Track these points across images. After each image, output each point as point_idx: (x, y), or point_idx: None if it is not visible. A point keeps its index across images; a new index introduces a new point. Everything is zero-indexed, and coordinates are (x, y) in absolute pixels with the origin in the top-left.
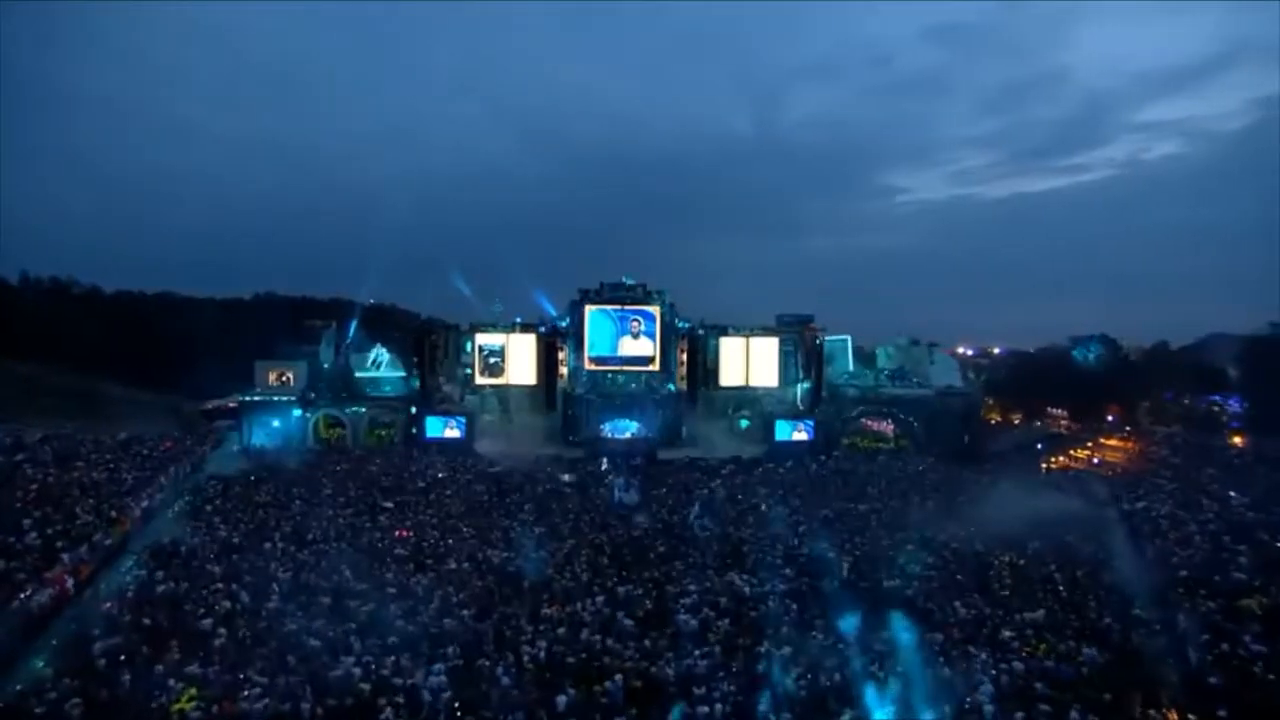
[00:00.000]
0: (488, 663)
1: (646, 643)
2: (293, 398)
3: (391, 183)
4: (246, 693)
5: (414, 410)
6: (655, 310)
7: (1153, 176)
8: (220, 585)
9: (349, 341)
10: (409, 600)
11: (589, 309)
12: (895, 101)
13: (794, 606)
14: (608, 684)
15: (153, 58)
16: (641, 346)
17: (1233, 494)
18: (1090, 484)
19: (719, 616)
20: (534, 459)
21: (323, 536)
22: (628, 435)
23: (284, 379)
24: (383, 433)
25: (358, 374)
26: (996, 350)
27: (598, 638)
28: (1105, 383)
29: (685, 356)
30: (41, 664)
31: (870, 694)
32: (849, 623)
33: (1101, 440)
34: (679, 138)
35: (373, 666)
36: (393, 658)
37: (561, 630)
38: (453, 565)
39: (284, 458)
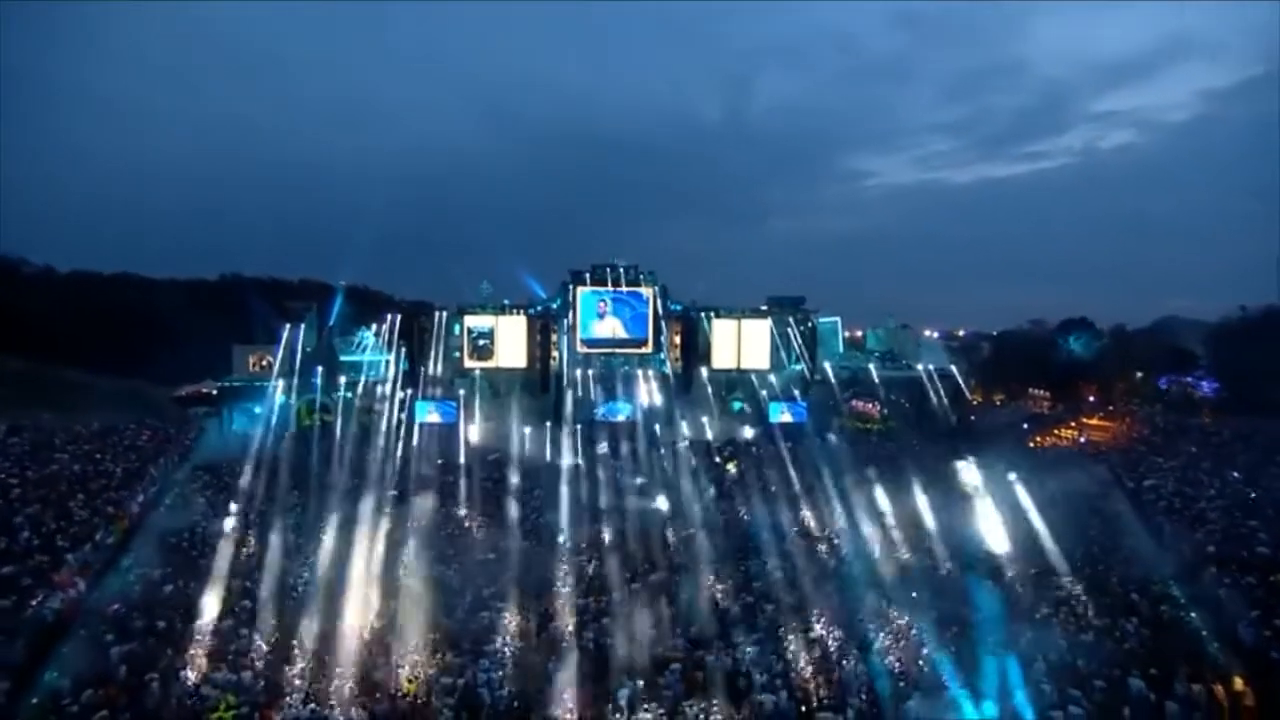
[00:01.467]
0: (538, 658)
1: (693, 630)
2: (275, 383)
3: (356, 165)
4: (289, 699)
5: (403, 394)
6: (647, 292)
7: (1107, 164)
8: (235, 583)
9: (331, 324)
10: (439, 595)
11: (580, 290)
12: (862, 87)
13: (832, 589)
14: (667, 674)
15: (108, 33)
16: (610, 327)
17: (1235, 474)
18: (1087, 463)
19: (760, 601)
20: (532, 443)
21: (330, 528)
22: (622, 418)
23: (264, 364)
24: (368, 418)
25: (343, 357)
26: (961, 332)
27: (646, 627)
28: (1082, 364)
29: (679, 339)
30: (55, 674)
31: (932, 675)
32: (894, 604)
33: (1084, 420)
34: (648, 121)
35: (417, 666)
36: (437, 655)
37: (606, 620)
38: (479, 556)
39: (271, 445)
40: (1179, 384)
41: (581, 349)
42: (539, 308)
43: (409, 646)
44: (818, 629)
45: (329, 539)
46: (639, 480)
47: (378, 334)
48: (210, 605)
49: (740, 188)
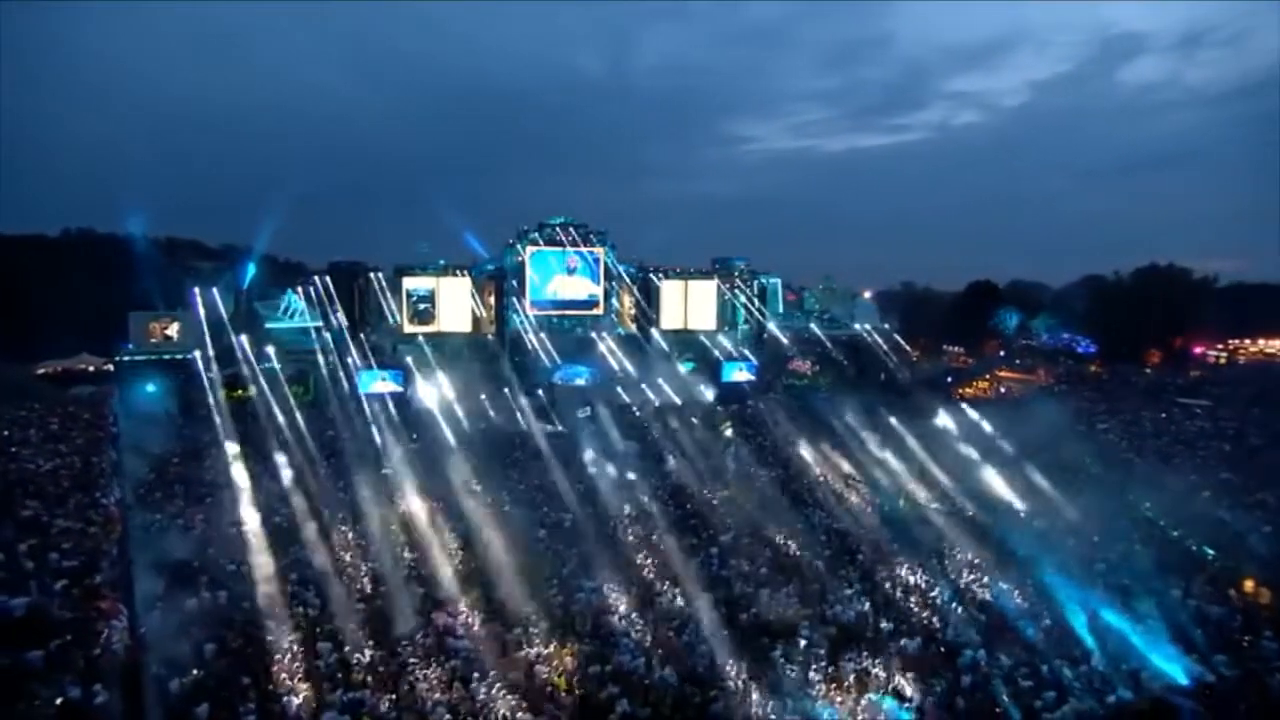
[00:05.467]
0: (671, 633)
1: (792, 588)
2: (184, 355)
3: (231, 113)
4: (434, 714)
5: (339, 364)
6: (599, 252)
7: (958, 140)
8: (275, 587)
9: (247, 287)
10: (521, 579)
11: (530, 250)
12: (743, 51)
13: (888, 534)
14: (803, 630)
15: None
16: (561, 288)
17: (1162, 414)
18: (1033, 409)
19: (839, 554)
20: (498, 410)
21: (338, 518)
22: (580, 381)
23: (168, 333)
24: (298, 389)
25: (268, 325)
26: None
27: (752, 590)
28: (982, 323)
29: (629, 299)
30: None
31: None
32: (956, 547)
33: (997, 372)
34: (531, 76)
35: (551, 659)
36: (567, 645)
37: (720, 591)
38: (541, 534)
39: (204, 427)
40: (1061, 339)
41: (531, 311)
42: (489, 268)
43: (525, 638)
44: (905, 574)
45: (344, 530)
46: (630, 445)
47: (307, 297)
48: (258, 618)
49: (618, 147)
